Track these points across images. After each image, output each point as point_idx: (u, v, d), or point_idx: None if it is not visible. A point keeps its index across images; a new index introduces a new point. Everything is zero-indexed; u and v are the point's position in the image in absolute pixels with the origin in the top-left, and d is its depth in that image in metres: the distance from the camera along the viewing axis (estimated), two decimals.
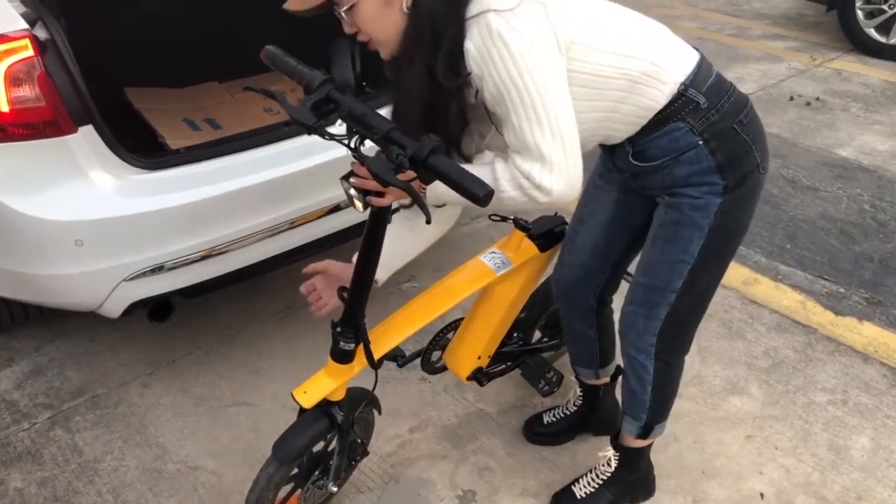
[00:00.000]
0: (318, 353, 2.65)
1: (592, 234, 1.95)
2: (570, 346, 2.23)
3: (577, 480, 2.14)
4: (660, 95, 1.60)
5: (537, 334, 2.42)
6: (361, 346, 1.75)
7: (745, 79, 5.02)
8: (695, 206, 1.65)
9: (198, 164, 2.29)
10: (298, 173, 2.40)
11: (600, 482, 2.09)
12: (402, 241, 1.82)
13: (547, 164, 1.48)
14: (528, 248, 2.03)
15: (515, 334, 2.30)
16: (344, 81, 2.79)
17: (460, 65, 1.47)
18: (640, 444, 2.02)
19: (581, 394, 2.31)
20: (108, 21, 2.88)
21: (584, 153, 1.57)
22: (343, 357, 1.74)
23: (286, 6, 1.50)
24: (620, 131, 1.67)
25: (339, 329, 1.72)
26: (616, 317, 1.93)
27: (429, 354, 2.21)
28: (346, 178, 1.53)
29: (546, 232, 2.05)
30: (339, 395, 1.81)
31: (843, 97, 4.79)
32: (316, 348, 2.67)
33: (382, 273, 1.76)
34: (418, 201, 1.38)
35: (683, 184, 1.65)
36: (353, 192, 1.52)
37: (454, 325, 2.19)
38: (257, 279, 2.93)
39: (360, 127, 1.46)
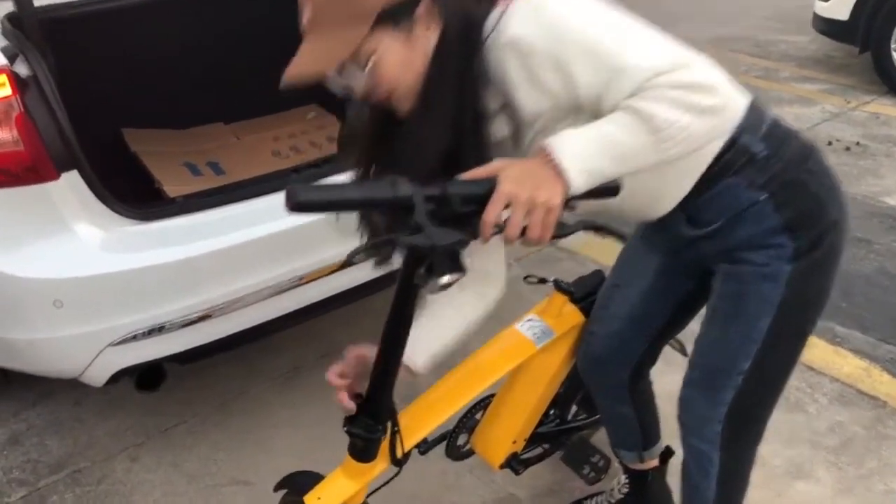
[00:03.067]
0: (326, 423, 2.41)
1: (629, 302, 1.68)
2: (606, 426, 1.95)
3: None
4: (712, 145, 1.34)
5: (572, 409, 2.13)
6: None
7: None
8: (760, 276, 1.40)
9: (197, 214, 2.04)
10: (309, 225, 2.14)
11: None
12: (446, 320, 1.51)
13: (669, 65, 1.14)
14: (571, 313, 1.76)
15: (552, 411, 2.01)
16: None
17: (487, 96, 1.26)
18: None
19: (627, 480, 2.01)
20: (106, 57, 2.66)
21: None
22: (367, 453, 1.46)
23: (286, 77, 1.23)
24: (670, 196, 1.41)
25: (357, 420, 1.44)
26: (662, 388, 1.67)
27: (454, 439, 1.92)
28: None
29: (589, 293, 1.78)
30: (359, 501, 1.53)
31: (883, 142, 4.54)
32: (324, 417, 2.41)
33: (421, 358, 1.47)
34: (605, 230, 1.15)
35: (745, 247, 1.40)
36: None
37: (483, 404, 1.91)
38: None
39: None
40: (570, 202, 1.16)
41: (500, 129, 1.31)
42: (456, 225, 1.12)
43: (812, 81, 5.69)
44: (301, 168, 2.22)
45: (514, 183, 1.12)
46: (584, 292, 1.77)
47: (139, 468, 2.28)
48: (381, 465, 1.51)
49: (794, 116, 4.95)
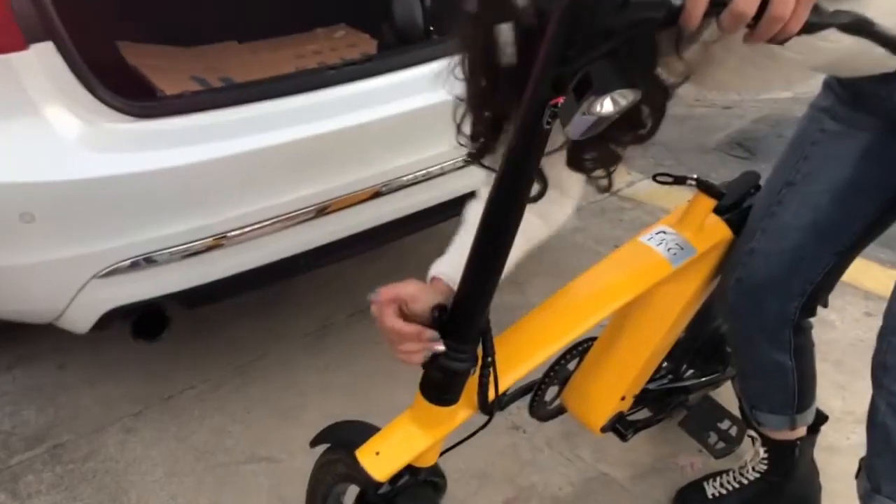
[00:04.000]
0: (363, 387, 1.97)
1: (812, 206, 1.24)
2: (751, 382, 1.48)
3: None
4: None
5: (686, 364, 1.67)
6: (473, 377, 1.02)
7: None
8: None
9: (204, 115, 1.59)
10: (345, 132, 1.70)
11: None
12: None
13: None
14: (716, 226, 1.31)
15: (665, 363, 1.56)
16: (409, 21, 2.13)
17: None
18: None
19: (765, 455, 1.55)
20: None
21: None
22: (448, 391, 1.01)
23: None
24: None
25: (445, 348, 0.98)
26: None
27: (543, 391, 1.47)
28: None
29: (741, 200, 1.32)
30: (431, 460, 1.08)
31: None
32: (361, 380, 1.97)
33: (451, 272, 1.03)
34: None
35: None
36: None
37: (580, 350, 1.45)
38: (283, 286, 2.22)
39: None
40: None
41: None
42: None
43: None
44: (338, 66, 1.77)
45: None
46: (735, 198, 1.31)
47: (136, 442, 1.84)
48: (463, 412, 1.07)
49: None
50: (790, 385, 1.41)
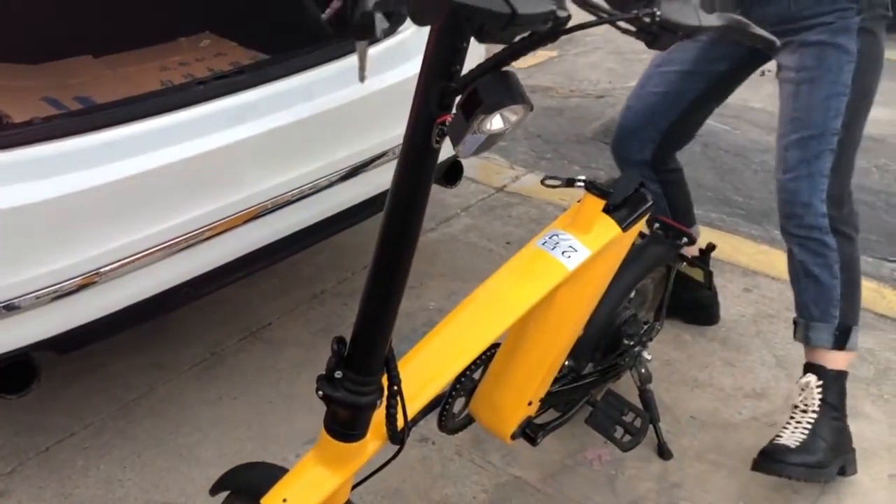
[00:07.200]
0: (261, 416, 1.88)
1: (666, 79, 1.86)
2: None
3: (779, 433, 1.69)
4: None
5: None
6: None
7: None
8: (835, 30, 1.56)
9: (60, 143, 1.45)
10: (221, 150, 1.61)
11: (808, 427, 1.66)
12: None
13: None
14: (606, 225, 1.31)
15: (567, 362, 1.57)
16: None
17: None
18: (842, 361, 1.69)
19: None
20: None
21: None
22: (354, 426, 0.96)
23: None
24: None
25: (339, 378, 0.94)
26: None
27: (451, 404, 1.44)
28: None
29: (627, 199, 1.34)
30: (343, 498, 1.02)
31: None
32: (258, 409, 1.88)
33: None
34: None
35: (812, 12, 1.57)
36: None
37: (484, 358, 1.43)
38: (164, 318, 2.08)
39: None
40: None
41: None
42: None
43: None
44: (207, 80, 1.66)
45: None
46: (623, 196, 1.32)
47: None
48: (372, 445, 1.03)
49: None
50: (662, 207, 1.96)
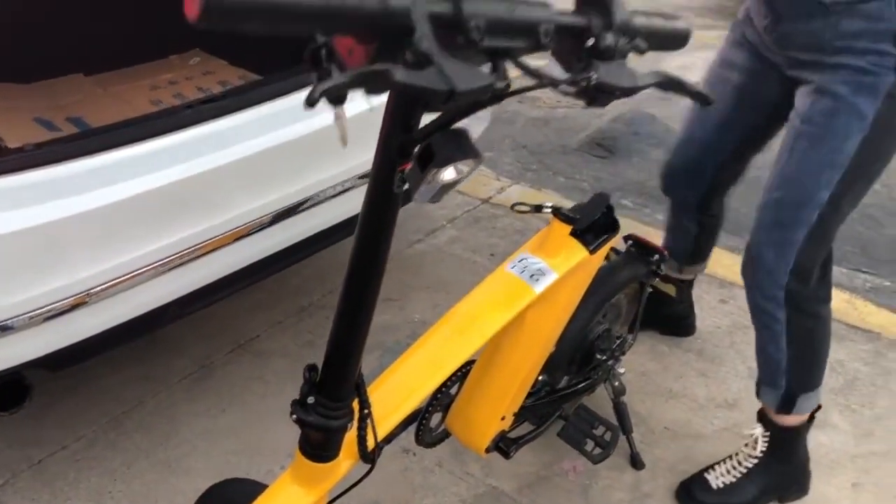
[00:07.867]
0: (249, 428, 1.94)
1: (707, 124, 1.78)
2: (666, 234, 2.05)
3: (712, 467, 1.73)
4: None
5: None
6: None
7: (692, 66, 4.61)
8: (860, 86, 1.35)
9: (55, 167, 1.51)
10: (208, 173, 1.66)
11: (743, 470, 1.69)
12: None
13: None
14: (574, 248, 1.37)
15: (540, 377, 1.63)
16: None
17: None
18: (790, 421, 1.66)
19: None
20: None
21: None
22: (327, 448, 1.02)
23: None
24: None
25: (311, 403, 1.00)
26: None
27: (428, 419, 1.50)
28: None
29: (594, 223, 1.40)
30: None
31: None
32: (246, 421, 1.93)
33: None
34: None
35: (847, 45, 1.35)
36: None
37: (460, 374, 1.49)
38: (155, 333, 2.14)
39: None
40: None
41: None
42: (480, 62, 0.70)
43: (713, 29, 5.60)
44: (195, 104, 1.72)
45: None
46: (589, 221, 1.38)
47: None
48: (345, 464, 1.09)
49: (703, 60, 4.80)
50: (689, 242, 2.00)
